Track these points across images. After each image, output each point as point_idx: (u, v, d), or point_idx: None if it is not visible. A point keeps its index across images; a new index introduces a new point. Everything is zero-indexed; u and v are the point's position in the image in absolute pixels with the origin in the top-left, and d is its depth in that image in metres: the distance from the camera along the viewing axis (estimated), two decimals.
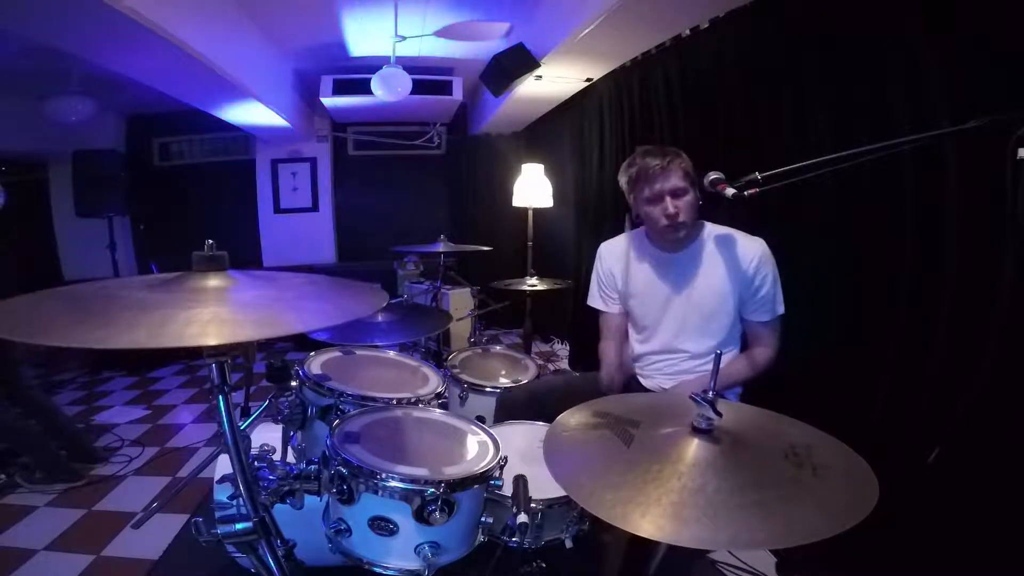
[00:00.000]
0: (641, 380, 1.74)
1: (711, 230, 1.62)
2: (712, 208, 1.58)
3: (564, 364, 4.30)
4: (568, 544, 1.27)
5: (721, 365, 1.54)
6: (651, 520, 0.76)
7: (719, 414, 0.91)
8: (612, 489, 0.82)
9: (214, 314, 0.81)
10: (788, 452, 0.90)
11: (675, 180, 1.50)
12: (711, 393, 0.91)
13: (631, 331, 1.78)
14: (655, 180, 1.51)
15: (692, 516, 0.76)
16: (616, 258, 1.75)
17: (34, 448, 2.43)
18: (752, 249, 1.54)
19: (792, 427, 1.01)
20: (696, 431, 0.92)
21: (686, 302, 1.60)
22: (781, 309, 1.56)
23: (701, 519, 0.75)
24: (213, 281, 0.93)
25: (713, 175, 1.46)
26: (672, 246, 1.62)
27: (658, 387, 1.68)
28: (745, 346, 1.64)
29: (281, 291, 1.01)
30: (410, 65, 3.42)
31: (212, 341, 0.75)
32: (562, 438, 1.01)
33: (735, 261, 1.55)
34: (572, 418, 1.07)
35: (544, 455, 0.96)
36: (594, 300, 1.82)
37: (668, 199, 1.51)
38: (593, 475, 0.88)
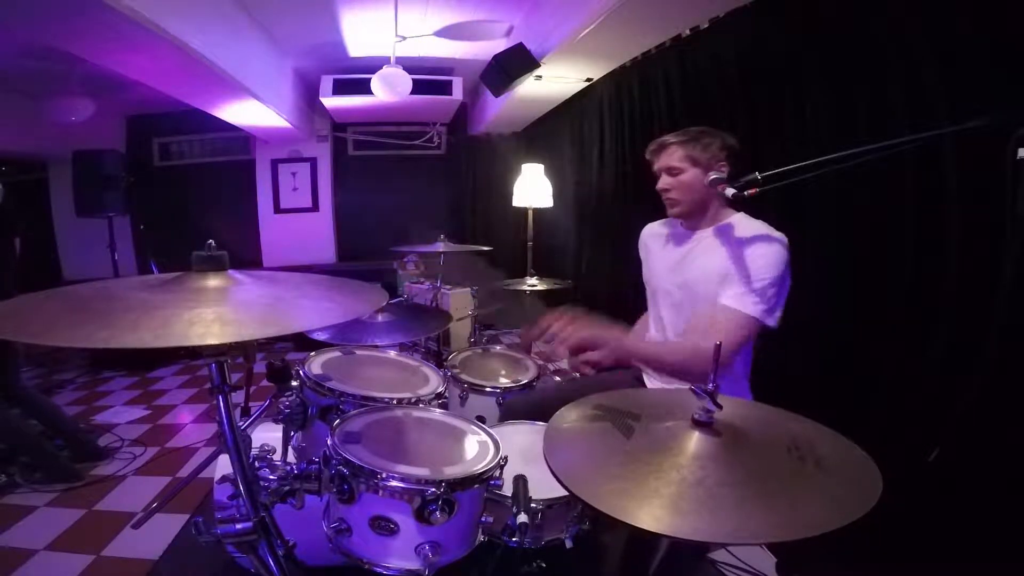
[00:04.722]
0: (646, 380, 1.74)
1: (740, 219, 1.57)
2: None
3: (564, 364, 4.30)
4: (568, 544, 1.27)
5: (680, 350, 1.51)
6: (649, 512, 0.75)
7: (718, 406, 0.91)
8: (610, 480, 0.82)
9: (217, 313, 0.81)
10: (790, 446, 0.90)
11: (667, 160, 1.57)
12: (711, 385, 0.91)
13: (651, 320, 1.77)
14: (654, 159, 1.62)
15: (692, 508, 0.75)
16: (650, 234, 1.79)
17: (33, 448, 2.43)
18: (764, 239, 1.44)
19: (793, 422, 1.01)
20: (697, 424, 0.91)
21: (684, 276, 1.58)
22: (755, 311, 1.37)
23: (701, 511, 0.75)
24: (214, 281, 0.93)
25: (713, 175, 1.47)
26: (690, 223, 1.63)
27: (658, 384, 1.67)
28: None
29: (282, 290, 1.01)
30: (410, 65, 3.42)
31: (215, 340, 0.75)
32: (562, 430, 1.01)
33: (740, 248, 1.46)
34: (573, 411, 1.07)
35: (544, 447, 0.96)
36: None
37: (664, 175, 1.58)
38: (592, 467, 0.87)
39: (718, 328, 1.38)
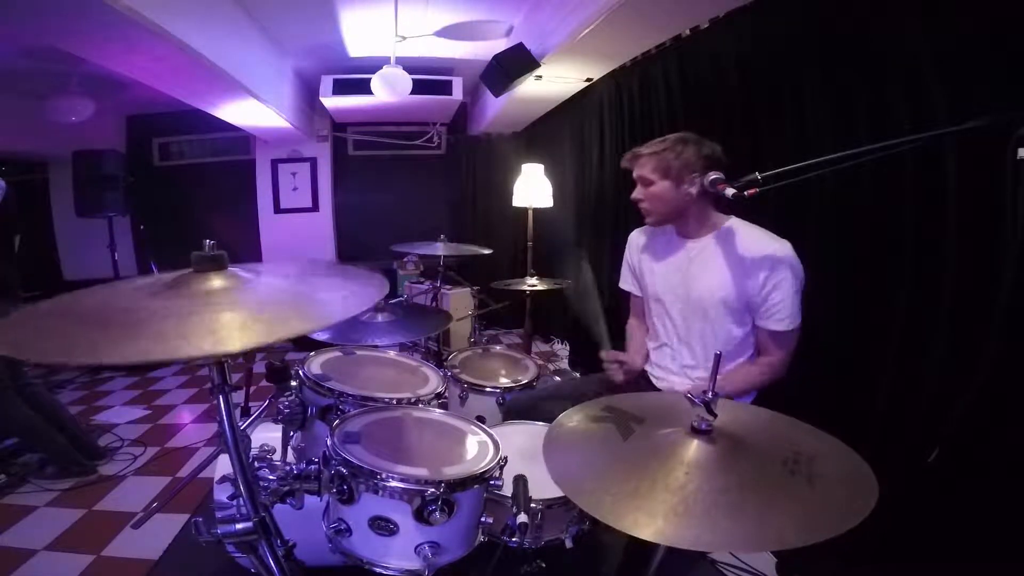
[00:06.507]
0: (653, 381, 1.73)
1: (735, 225, 1.58)
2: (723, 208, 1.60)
3: (564, 364, 4.29)
4: (568, 544, 1.27)
5: (725, 369, 1.56)
6: (624, 513, 0.77)
7: (714, 415, 0.90)
8: (596, 480, 0.84)
9: (239, 315, 0.79)
10: (788, 459, 0.88)
11: (639, 171, 1.60)
12: (709, 393, 0.91)
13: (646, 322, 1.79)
14: (632, 168, 1.63)
15: (661, 512, 0.76)
16: (641, 241, 1.80)
17: (47, 443, 2.45)
18: (769, 249, 1.47)
19: (805, 434, 0.98)
20: (695, 431, 0.91)
21: (688, 290, 1.59)
22: (796, 323, 1.48)
23: (669, 515, 0.76)
24: (218, 281, 0.89)
25: (713, 175, 1.46)
26: (683, 231, 1.64)
27: (669, 386, 1.67)
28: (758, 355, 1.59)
29: (291, 284, 0.99)
30: (410, 65, 3.41)
31: (247, 343, 0.73)
32: (563, 431, 1.01)
33: (747, 260, 1.49)
34: (578, 413, 1.07)
35: (543, 447, 0.96)
36: (624, 282, 1.88)
37: (638, 185, 1.61)
38: (582, 466, 0.88)
39: (775, 352, 1.53)
